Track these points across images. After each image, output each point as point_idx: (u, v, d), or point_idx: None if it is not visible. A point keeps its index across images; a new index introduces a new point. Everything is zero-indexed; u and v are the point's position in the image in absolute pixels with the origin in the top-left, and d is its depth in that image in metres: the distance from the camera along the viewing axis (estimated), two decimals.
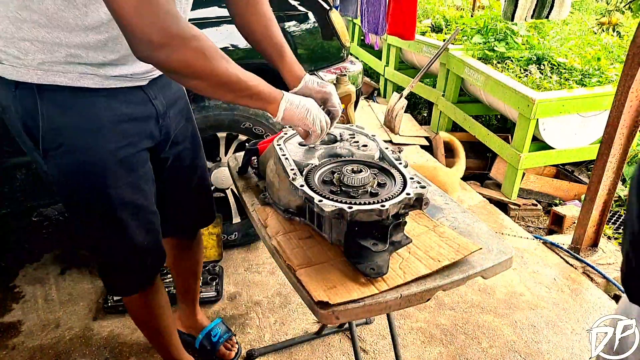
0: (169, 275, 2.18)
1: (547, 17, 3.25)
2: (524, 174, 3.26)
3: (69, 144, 1.10)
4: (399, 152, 1.24)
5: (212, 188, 2.35)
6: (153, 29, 0.87)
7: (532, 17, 3.25)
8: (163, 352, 1.62)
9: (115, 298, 2.06)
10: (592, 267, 2.42)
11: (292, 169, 1.11)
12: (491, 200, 3.14)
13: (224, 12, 2.11)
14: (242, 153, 1.49)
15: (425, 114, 4.86)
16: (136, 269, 1.35)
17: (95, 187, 1.16)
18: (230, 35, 2.07)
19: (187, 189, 1.47)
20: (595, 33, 5.08)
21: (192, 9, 1.98)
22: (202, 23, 2.01)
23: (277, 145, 1.24)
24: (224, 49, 2.04)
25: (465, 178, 3.45)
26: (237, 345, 1.88)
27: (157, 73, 1.21)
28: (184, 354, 1.67)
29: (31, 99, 1.04)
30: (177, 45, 0.90)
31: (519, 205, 3.15)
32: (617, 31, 5.79)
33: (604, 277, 2.36)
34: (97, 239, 1.28)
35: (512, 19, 3.32)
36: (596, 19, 6.14)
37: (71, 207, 1.25)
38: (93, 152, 1.12)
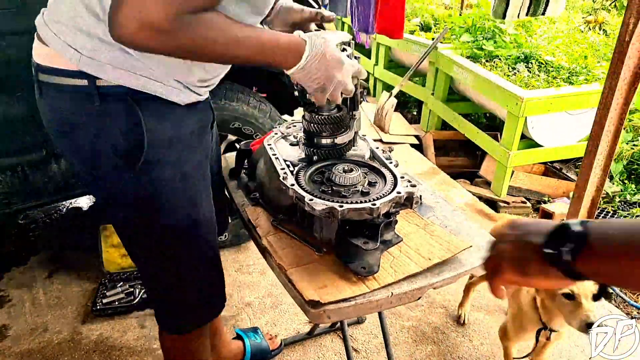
0: None
1: (543, 14, 3.23)
2: (513, 172, 3.29)
3: (167, 156, 1.03)
4: (390, 152, 1.24)
5: None
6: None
7: (527, 14, 3.24)
8: None
9: (104, 301, 2.04)
10: None
11: (282, 169, 1.11)
12: (481, 198, 3.16)
13: None
14: (232, 154, 1.48)
15: (415, 113, 4.87)
16: (205, 299, 1.25)
17: (189, 199, 1.09)
18: None
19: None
20: (582, 31, 5.12)
21: None
22: None
23: (268, 144, 1.23)
24: None
25: (455, 176, 3.47)
26: (269, 334, 1.89)
27: None
28: None
29: (130, 111, 0.95)
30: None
31: (508, 203, 3.17)
32: (603, 29, 5.85)
33: None
34: (173, 264, 1.14)
35: (504, 17, 3.31)
36: (583, 18, 6.20)
37: (152, 227, 1.09)
38: (187, 164, 1.07)
